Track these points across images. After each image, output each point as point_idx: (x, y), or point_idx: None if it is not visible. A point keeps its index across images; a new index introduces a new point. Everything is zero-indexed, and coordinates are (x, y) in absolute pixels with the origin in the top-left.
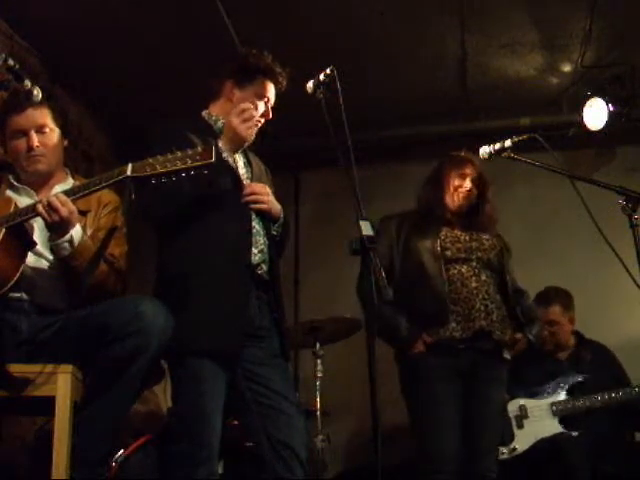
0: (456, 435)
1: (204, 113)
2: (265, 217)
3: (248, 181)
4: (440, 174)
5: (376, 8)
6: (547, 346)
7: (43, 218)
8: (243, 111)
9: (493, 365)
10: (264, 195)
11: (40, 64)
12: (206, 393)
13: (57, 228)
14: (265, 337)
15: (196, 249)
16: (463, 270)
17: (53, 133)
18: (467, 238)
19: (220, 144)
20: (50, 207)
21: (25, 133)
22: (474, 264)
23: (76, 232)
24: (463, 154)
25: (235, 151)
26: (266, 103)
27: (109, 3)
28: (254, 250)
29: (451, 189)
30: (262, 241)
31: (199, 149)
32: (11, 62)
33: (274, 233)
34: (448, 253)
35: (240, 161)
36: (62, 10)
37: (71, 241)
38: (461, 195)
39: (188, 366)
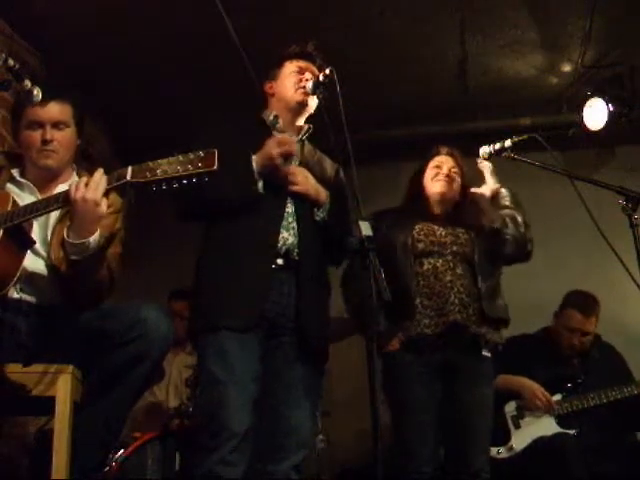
0: (434, 436)
1: (262, 114)
2: (303, 200)
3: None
4: (420, 168)
5: (376, 8)
6: (570, 352)
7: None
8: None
9: (473, 360)
10: (298, 177)
11: (40, 64)
12: (219, 374)
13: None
14: (287, 334)
15: (228, 233)
16: (438, 264)
17: (69, 130)
18: (443, 233)
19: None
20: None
21: (41, 125)
22: (449, 258)
23: (94, 237)
24: (444, 147)
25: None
26: (304, 72)
27: (109, 3)
28: (284, 233)
29: (428, 179)
30: (294, 224)
31: (201, 153)
32: (11, 62)
33: (317, 218)
34: (421, 245)
35: None
36: (62, 10)
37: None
38: (438, 183)
39: (208, 341)
